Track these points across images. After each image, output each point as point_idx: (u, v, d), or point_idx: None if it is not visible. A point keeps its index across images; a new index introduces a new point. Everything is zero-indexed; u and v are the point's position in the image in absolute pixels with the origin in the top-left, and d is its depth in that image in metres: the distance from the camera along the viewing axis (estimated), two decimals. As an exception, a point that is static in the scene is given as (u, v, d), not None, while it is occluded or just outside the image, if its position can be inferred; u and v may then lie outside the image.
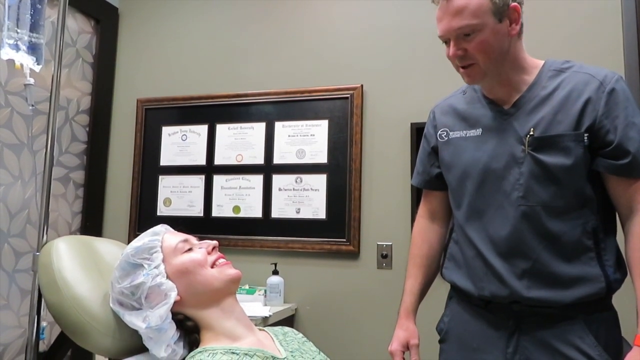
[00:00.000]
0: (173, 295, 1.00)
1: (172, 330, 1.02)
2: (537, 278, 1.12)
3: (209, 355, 0.94)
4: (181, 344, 1.04)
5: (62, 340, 1.14)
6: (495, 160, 1.17)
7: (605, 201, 1.15)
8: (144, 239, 1.07)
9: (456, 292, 1.28)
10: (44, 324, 1.24)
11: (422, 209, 1.41)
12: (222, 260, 1.07)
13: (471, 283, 1.20)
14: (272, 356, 0.99)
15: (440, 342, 1.31)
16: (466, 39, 1.12)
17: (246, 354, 0.97)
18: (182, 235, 1.09)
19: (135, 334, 1.13)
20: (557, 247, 1.11)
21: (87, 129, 2.66)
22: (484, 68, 1.14)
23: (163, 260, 1.03)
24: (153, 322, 0.99)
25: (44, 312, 1.17)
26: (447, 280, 1.30)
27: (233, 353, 0.96)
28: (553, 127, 1.12)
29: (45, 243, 1.16)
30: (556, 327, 1.11)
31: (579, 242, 1.11)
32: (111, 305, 1.05)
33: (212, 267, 1.04)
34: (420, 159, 1.40)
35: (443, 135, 1.30)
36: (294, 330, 1.19)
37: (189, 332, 1.04)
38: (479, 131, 1.22)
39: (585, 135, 1.10)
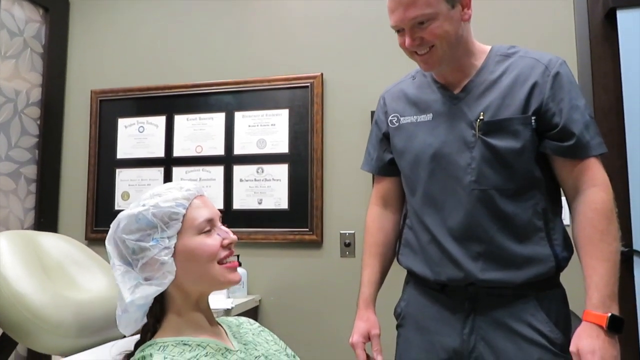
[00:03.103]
0: (168, 280, 0.93)
1: (147, 309, 0.97)
2: (491, 260, 1.13)
3: (159, 349, 0.91)
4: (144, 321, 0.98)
5: (5, 341, 1.08)
6: (447, 145, 1.18)
7: (552, 182, 1.18)
8: (171, 200, 0.95)
9: (412, 277, 1.29)
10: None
11: (374, 196, 1.40)
12: (231, 259, 0.99)
13: (427, 268, 1.20)
14: (225, 347, 0.97)
15: (397, 327, 1.31)
16: (421, 27, 1.12)
17: (199, 345, 0.94)
18: (209, 211, 0.99)
19: (83, 331, 1.09)
20: (509, 229, 1.13)
21: (39, 122, 2.55)
22: (441, 54, 1.14)
23: (178, 232, 0.95)
24: (138, 299, 0.93)
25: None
26: (403, 266, 1.30)
27: (185, 344, 0.93)
28: (501, 111, 1.14)
29: (-15, 239, 1.10)
30: (509, 306, 1.13)
31: (530, 223, 1.13)
32: (106, 242, 0.97)
33: (219, 262, 0.96)
34: (372, 144, 1.39)
35: (394, 120, 1.29)
36: (250, 320, 1.17)
37: (153, 315, 0.97)
38: (429, 116, 1.22)
39: (533, 118, 1.12)
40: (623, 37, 1.93)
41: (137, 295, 0.94)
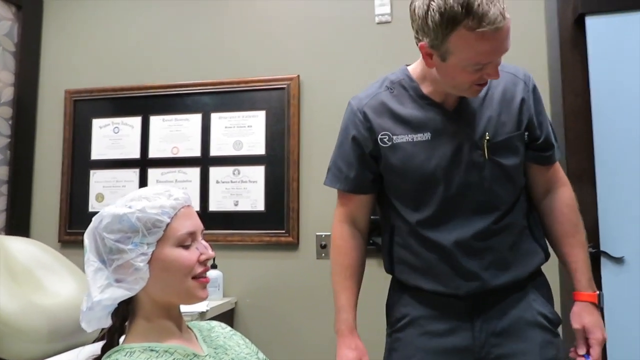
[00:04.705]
0: (139, 286, 0.93)
1: (112, 309, 0.96)
2: (498, 266, 1.20)
3: (126, 354, 0.91)
4: (108, 321, 0.98)
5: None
6: (454, 165, 1.18)
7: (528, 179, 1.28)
8: (158, 207, 0.94)
9: (416, 289, 1.26)
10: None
11: (342, 214, 1.32)
12: (204, 274, 0.99)
13: (440, 285, 1.21)
14: (193, 353, 0.97)
15: (395, 331, 1.28)
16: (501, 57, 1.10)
17: (166, 352, 0.94)
18: (192, 224, 0.98)
19: (53, 336, 1.08)
20: (509, 235, 1.21)
21: (11, 122, 2.51)
22: None
23: (158, 240, 0.94)
24: (106, 300, 0.92)
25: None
26: (408, 285, 1.26)
27: (152, 350, 0.93)
28: (502, 129, 1.18)
29: (-51, 244, 1.08)
30: (513, 297, 1.21)
31: (521, 225, 1.23)
32: (85, 235, 0.96)
33: (193, 277, 0.96)
34: (345, 161, 1.28)
35: (385, 140, 1.23)
36: (222, 324, 1.17)
37: (119, 316, 0.97)
38: (427, 135, 1.19)
39: (526, 134, 1.21)
40: (591, 42, 1.98)
41: (106, 295, 0.93)
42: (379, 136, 1.23)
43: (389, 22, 2.27)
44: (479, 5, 0.99)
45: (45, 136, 2.59)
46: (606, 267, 1.90)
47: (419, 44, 1.11)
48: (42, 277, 1.14)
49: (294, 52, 2.36)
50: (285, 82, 2.32)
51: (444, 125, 1.19)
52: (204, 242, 1.00)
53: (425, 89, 1.21)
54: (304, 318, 2.22)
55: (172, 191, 0.99)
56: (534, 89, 1.22)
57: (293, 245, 2.26)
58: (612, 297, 1.84)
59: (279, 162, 2.30)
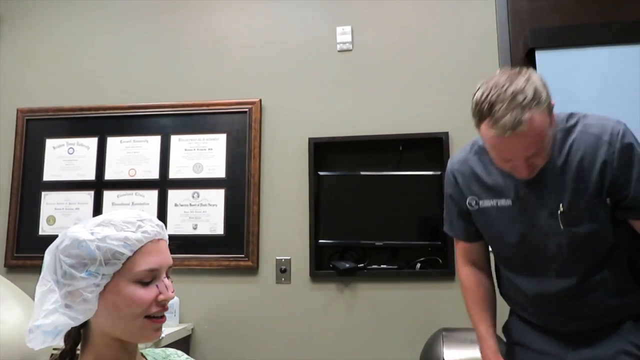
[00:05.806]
0: (84, 317, 0.88)
1: (60, 336, 0.92)
2: (592, 313, 1.24)
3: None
4: (55, 341, 0.92)
5: None
6: (534, 230, 1.24)
7: (632, 232, 1.23)
8: (122, 239, 0.87)
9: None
10: None
11: (463, 259, 1.44)
12: (160, 315, 0.91)
13: (526, 313, 1.33)
14: (148, 381, 0.94)
15: (506, 344, 1.42)
16: (535, 156, 1.12)
17: (120, 381, 0.90)
18: (157, 261, 0.90)
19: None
20: (602, 289, 1.23)
21: (-43, 140, 2.40)
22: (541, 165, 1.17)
23: (116, 273, 0.87)
24: (46, 326, 0.88)
25: None
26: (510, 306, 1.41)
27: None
28: (578, 198, 1.18)
29: None
30: (611, 330, 1.24)
31: (620, 276, 1.23)
32: (46, 252, 0.89)
33: (145, 316, 0.89)
34: (453, 215, 1.40)
35: (472, 203, 1.33)
36: (178, 351, 1.13)
37: (71, 340, 0.91)
38: (509, 201, 1.25)
39: (608, 199, 1.18)
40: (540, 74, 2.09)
41: (48, 321, 0.88)
42: (467, 200, 1.34)
43: (350, 50, 2.32)
44: (498, 109, 1.05)
45: (-6, 156, 2.49)
46: None
47: None
48: (-14, 304, 1.08)
49: (257, 77, 2.37)
50: (247, 106, 2.32)
51: (523, 193, 1.23)
52: (166, 281, 0.93)
53: None
54: (263, 344, 2.18)
55: (145, 222, 0.92)
56: (622, 148, 1.14)
57: (252, 270, 2.23)
58: None
59: (239, 185, 2.28)
